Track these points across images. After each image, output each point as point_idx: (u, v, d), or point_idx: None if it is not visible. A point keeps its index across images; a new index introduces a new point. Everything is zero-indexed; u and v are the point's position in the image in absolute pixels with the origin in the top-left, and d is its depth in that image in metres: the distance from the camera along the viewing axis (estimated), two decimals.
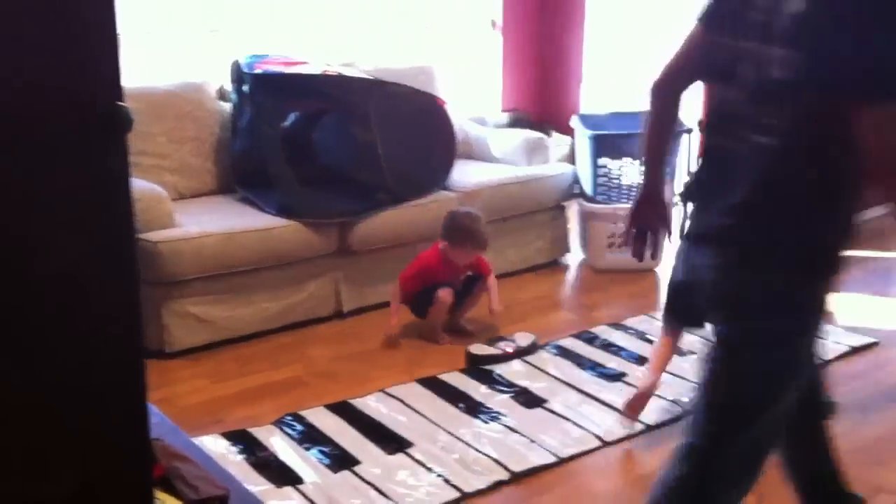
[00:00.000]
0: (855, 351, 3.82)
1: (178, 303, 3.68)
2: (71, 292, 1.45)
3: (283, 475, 2.86)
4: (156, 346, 3.64)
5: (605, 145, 4.63)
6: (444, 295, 3.82)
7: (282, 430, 3.13)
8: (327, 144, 4.21)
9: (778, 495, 2.78)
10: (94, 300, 1.48)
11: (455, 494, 2.77)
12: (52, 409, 1.47)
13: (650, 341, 3.87)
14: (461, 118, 5.17)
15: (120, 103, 1.43)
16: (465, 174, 4.59)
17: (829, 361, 3.69)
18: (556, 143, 5.60)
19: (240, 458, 2.94)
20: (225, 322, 3.80)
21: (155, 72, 4.44)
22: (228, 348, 3.80)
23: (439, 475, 2.86)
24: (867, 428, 3.22)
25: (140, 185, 3.71)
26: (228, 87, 4.40)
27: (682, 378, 3.52)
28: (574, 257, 4.95)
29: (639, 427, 3.17)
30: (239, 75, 4.29)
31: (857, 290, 4.48)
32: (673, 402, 3.35)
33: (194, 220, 3.82)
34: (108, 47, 1.43)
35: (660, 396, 3.37)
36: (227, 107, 4.39)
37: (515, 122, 5.79)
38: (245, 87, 4.24)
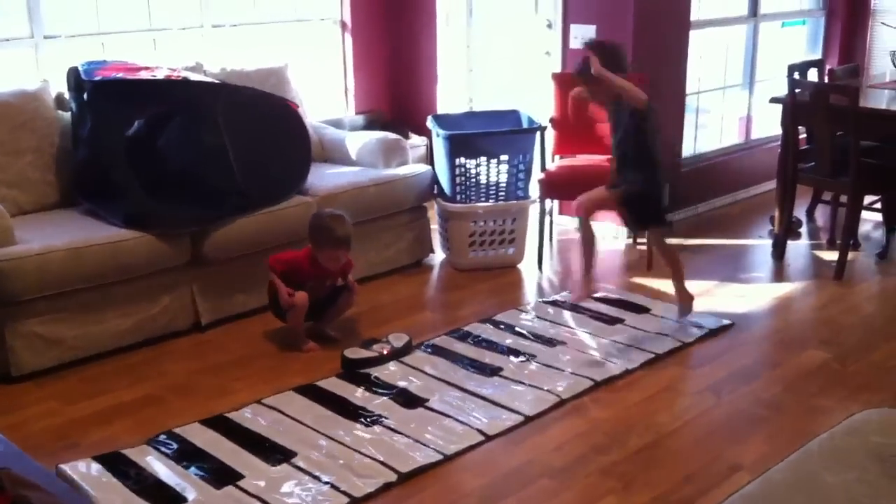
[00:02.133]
0: (712, 333, 3.96)
1: (22, 323, 3.48)
2: None
3: (164, 496, 2.75)
4: (1, 370, 3.44)
5: (461, 145, 4.65)
6: (299, 298, 3.74)
7: (156, 449, 3.00)
8: (175, 150, 4.06)
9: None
10: None
11: (345, 500, 2.74)
12: None
13: (521, 334, 3.93)
14: (315, 120, 5.11)
15: None
16: (322, 178, 4.52)
17: (690, 344, 3.83)
18: (414, 143, 5.61)
19: (115, 481, 2.81)
20: (74, 341, 3.62)
21: None
22: (80, 368, 3.63)
23: (327, 482, 2.82)
24: (721, 409, 3.34)
25: None
26: (67, 95, 4.20)
27: (555, 368, 3.58)
28: (437, 257, 4.96)
29: (518, 418, 3.21)
30: (77, 83, 4.10)
31: (709, 277, 4.67)
32: (548, 391, 3.40)
33: (37, 236, 3.62)
34: None
35: (535, 386, 3.43)
36: (67, 116, 4.19)
37: (371, 124, 5.76)
38: (85, 95, 4.05)
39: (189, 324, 3.97)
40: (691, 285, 4.36)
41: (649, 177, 3.85)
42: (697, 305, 4.21)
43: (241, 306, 4.09)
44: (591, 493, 2.81)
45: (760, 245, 5.22)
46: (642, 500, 2.77)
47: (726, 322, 4.06)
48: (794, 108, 4.78)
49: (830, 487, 1.96)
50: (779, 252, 4.97)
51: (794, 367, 3.68)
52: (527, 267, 4.85)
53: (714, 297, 4.41)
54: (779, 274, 4.83)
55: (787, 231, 5.01)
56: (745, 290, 4.52)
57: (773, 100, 5.08)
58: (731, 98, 6.31)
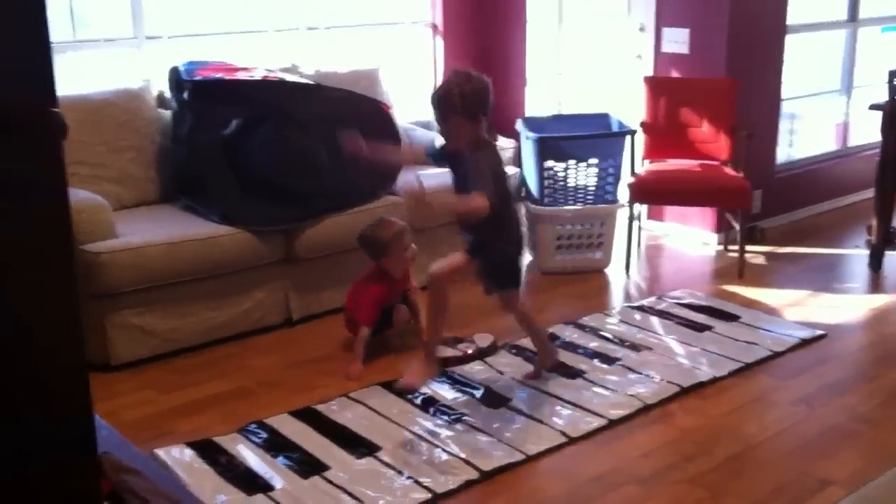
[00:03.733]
0: (804, 343, 3.87)
1: (121, 315, 3.60)
2: (8, 305, 1.40)
3: (252, 483, 2.82)
4: (100, 360, 3.56)
5: (550, 148, 4.65)
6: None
7: (247, 438, 3.09)
8: (268, 151, 4.14)
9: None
10: (34, 314, 1.43)
11: (427, 495, 2.77)
12: None
13: (606, 338, 3.91)
14: (406, 122, 5.15)
15: (54, 109, 1.39)
16: (411, 178, 4.55)
17: (780, 353, 3.75)
18: (502, 146, 5.61)
19: (206, 467, 2.90)
20: (170, 333, 3.72)
21: (90, 80, 4.35)
22: (174, 359, 3.73)
23: (409, 477, 2.86)
24: (813, 422, 3.26)
25: (80, 196, 3.64)
26: (168, 94, 4.32)
27: (640, 373, 3.55)
28: (523, 260, 4.94)
29: (601, 422, 3.20)
30: (178, 83, 4.22)
31: (802, 287, 4.56)
32: (633, 396, 3.37)
33: (136, 230, 3.74)
34: (41, 54, 1.39)
35: (620, 392, 3.41)
36: (168, 114, 4.31)
37: None
38: (185, 95, 4.17)
39: (281, 319, 4.05)
40: (784, 294, 4.28)
41: (512, 240, 3.37)
42: (791, 315, 4.13)
43: (330, 303, 4.14)
44: (678, 501, 2.78)
45: (856, 255, 5.08)
46: None
47: (819, 332, 3.96)
48: (894, 114, 4.63)
49: None
50: (876, 262, 4.83)
51: (891, 381, 3.57)
52: (614, 272, 4.81)
53: (807, 308, 4.31)
54: (875, 285, 4.69)
55: (884, 241, 4.86)
56: (840, 301, 4.41)
57: (873, 107, 4.94)
58: (827, 104, 6.16)
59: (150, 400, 3.41)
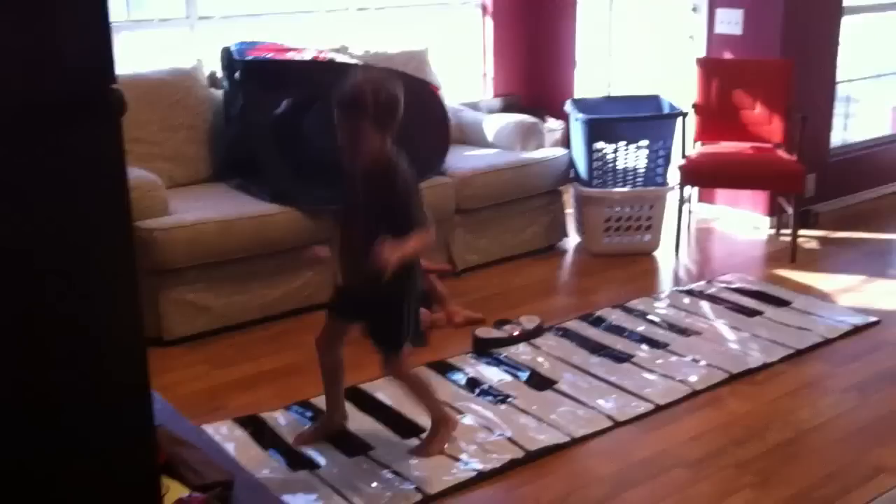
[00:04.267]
0: (857, 330, 3.81)
1: (174, 291, 3.65)
2: (72, 281, 1.42)
3: (297, 460, 2.86)
4: (154, 334, 3.61)
5: (600, 130, 4.62)
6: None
7: (293, 415, 3.13)
8: (318, 131, 4.14)
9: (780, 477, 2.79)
10: (95, 287, 1.46)
11: (471, 474, 2.78)
12: (57, 399, 1.45)
13: (654, 322, 3.88)
14: (454, 103, 5.14)
15: (114, 86, 1.41)
16: (459, 159, 4.56)
17: (833, 340, 3.70)
18: (551, 127, 5.59)
19: (252, 442, 2.95)
20: (222, 309, 3.77)
21: (143, 60, 4.40)
22: (227, 336, 3.78)
23: (453, 456, 2.87)
24: (866, 409, 3.22)
25: (134, 173, 3.68)
26: (220, 74, 4.36)
27: (688, 358, 3.53)
28: (571, 242, 4.94)
29: (648, 406, 3.18)
30: (230, 62, 4.25)
31: (856, 273, 4.49)
32: (680, 381, 3.35)
33: (189, 208, 3.79)
34: (100, 31, 1.40)
35: (668, 376, 3.37)
36: (220, 94, 4.35)
37: (509, 107, 5.77)
38: (236, 75, 4.20)
39: (329, 298, 4.08)
40: (837, 279, 4.22)
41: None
42: (844, 301, 4.07)
43: None
44: (726, 486, 2.76)
45: None
46: (781, 495, 2.70)
47: (872, 319, 3.90)
48: None
49: None
50: None
51: None
52: (663, 255, 4.77)
53: (861, 294, 4.24)
54: None
55: None
56: (894, 287, 4.33)
57: None
58: (884, 87, 6.03)
59: (203, 375, 3.47)
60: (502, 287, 4.26)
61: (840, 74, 5.39)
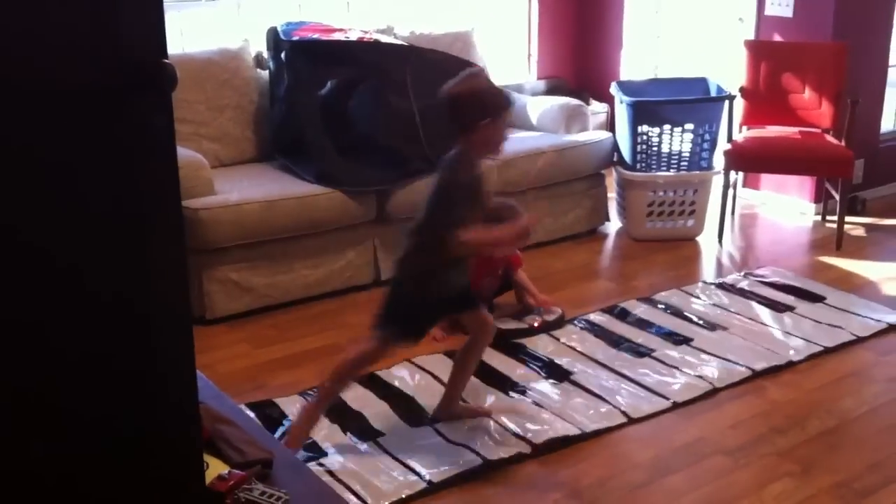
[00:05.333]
0: (893, 328, 3.71)
1: (218, 270, 3.70)
2: (123, 257, 1.45)
3: (306, 447, 2.85)
4: (197, 313, 3.67)
5: (645, 112, 4.57)
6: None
7: (306, 401, 3.09)
8: (364, 112, 4.18)
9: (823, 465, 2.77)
10: (146, 263, 1.48)
11: (478, 463, 2.77)
12: (108, 371, 1.48)
13: (679, 315, 3.81)
14: (500, 85, 5.11)
15: (164, 60, 1.42)
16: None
17: (864, 339, 3.62)
18: (595, 110, 5.55)
19: (269, 433, 2.91)
20: (265, 289, 3.82)
21: (190, 39, 4.45)
22: (268, 315, 3.82)
23: (462, 445, 2.85)
24: None
25: (180, 153, 3.71)
26: (266, 54, 4.39)
27: (713, 354, 3.49)
28: (613, 226, 4.91)
29: (666, 404, 3.13)
30: (276, 43, 4.28)
31: None
32: (699, 377, 3.29)
33: (234, 188, 3.83)
34: (154, 6, 1.42)
35: (687, 372, 3.32)
36: (265, 74, 4.38)
37: (553, 90, 5.73)
38: (282, 55, 4.23)
39: (370, 278, 4.11)
40: (883, 267, 4.16)
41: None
42: (888, 290, 4.00)
43: None
44: (767, 473, 2.74)
45: None
46: (822, 484, 2.68)
47: None
48: None
49: None
50: None
51: None
52: (706, 240, 4.73)
53: None
54: None
55: None
56: None
57: None
58: None
59: (245, 354, 3.51)
60: (543, 271, 4.25)
61: (893, 58, 5.28)
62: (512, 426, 2.97)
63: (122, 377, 1.51)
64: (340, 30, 4.38)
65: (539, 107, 4.89)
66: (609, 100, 5.08)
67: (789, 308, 3.88)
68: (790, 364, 3.40)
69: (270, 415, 3.04)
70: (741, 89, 4.84)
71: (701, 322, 3.75)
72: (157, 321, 1.54)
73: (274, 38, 4.30)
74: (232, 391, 2.95)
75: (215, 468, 2.03)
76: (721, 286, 4.12)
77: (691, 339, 3.59)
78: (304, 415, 2.87)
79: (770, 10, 5.05)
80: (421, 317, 2.91)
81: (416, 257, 2.77)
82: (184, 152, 3.75)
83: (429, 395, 3.15)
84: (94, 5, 1.37)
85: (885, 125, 5.43)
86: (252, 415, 2.95)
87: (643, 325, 3.73)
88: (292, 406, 3.08)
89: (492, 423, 2.98)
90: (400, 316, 2.83)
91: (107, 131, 1.42)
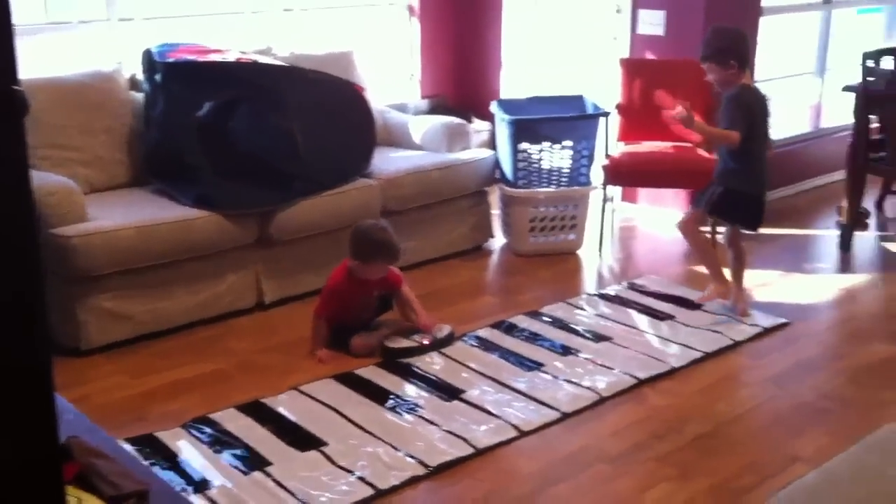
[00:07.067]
0: (767, 332, 3.87)
1: (94, 298, 3.59)
2: None
3: (189, 481, 2.76)
4: (71, 344, 3.55)
5: (525, 130, 4.65)
6: (358, 346, 3.64)
7: (190, 433, 3.03)
8: (244, 133, 4.13)
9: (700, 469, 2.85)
10: None
11: (370, 492, 2.72)
12: None
13: (568, 328, 3.87)
14: (381, 104, 5.14)
15: (15, 87, 1.38)
16: (386, 161, 4.56)
17: (741, 343, 3.75)
18: (477, 128, 5.62)
19: (145, 464, 2.80)
20: (143, 317, 3.72)
21: (63, 62, 4.32)
22: (147, 343, 3.72)
23: (352, 472, 2.81)
24: (782, 400, 3.30)
25: (51, 179, 3.62)
26: (140, 76, 4.30)
27: (599, 364, 3.58)
28: (498, 242, 4.97)
29: (555, 415, 3.16)
30: (151, 65, 4.20)
31: (774, 267, 4.61)
32: (587, 388, 3.36)
33: (109, 214, 3.72)
34: (1, 31, 1.38)
35: (575, 383, 3.38)
36: (140, 97, 4.29)
37: (435, 109, 5.79)
38: (157, 77, 4.15)
39: (253, 302, 4.05)
40: (755, 275, 4.33)
41: (752, 178, 3.89)
42: (761, 296, 4.17)
43: (304, 286, 4.15)
44: (647, 479, 2.81)
45: (827, 236, 5.14)
46: (699, 487, 2.76)
47: (782, 321, 3.94)
48: (867, 97, 4.68)
49: (892, 481, 1.94)
50: (846, 243, 4.88)
51: (860, 360, 3.62)
52: (587, 253, 4.83)
53: (778, 288, 4.35)
54: (845, 265, 4.75)
55: (855, 222, 4.92)
56: (811, 281, 4.46)
57: (846, 88, 4.98)
58: (801, 86, 6.19)
59: (123, 384, 3.41)
60: (430, 288, 4.26)
61: (759, 74, 5.51)
62: (403, 448, 2.94)
63: None
64: (217, 51, 4.32)
65: (422, 126, 4.93)
66: (490, 118, 5.16)
67: (669, 316, 4.00)
68: (672, 371, 3.49)
69: (153, 449, 2.95)
70: (617, 106, 4.98)
71: (586, 333, 3.82)
72: (7, 353, 1.48)
73: (148, 59, 4.21)
74: (110, 424, 2.87)
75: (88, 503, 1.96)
76: (604, 297, 4.21)
77: (578, 351, 3.65)
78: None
79: (642, 30, 5.22)
80: None
81: (753, 165, 3.88)
82: (55, 178, 3.64)
83: (315, 422, 3.11)
84: None
85: None
86: (130, 448, 2.87)
87: (531, 338, 3.78)
88: (175, 439, 2.99)
89: (387, 445, 2.96)
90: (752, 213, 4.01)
91: None
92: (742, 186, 3.88)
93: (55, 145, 3.95)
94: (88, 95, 4.12)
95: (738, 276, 4.07)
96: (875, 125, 5.07)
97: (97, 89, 4.15)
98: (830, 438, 3.02)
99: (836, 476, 2.00)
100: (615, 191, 5.18)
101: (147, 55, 4.23)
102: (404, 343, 3.67)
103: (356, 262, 3.63)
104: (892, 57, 5.48)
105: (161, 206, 3.88)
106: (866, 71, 4.74)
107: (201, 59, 4.23)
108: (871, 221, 5.34)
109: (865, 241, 5.06)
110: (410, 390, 3.36)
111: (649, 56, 5.21)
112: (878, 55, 5.28)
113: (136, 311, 3.69)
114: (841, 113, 5.86)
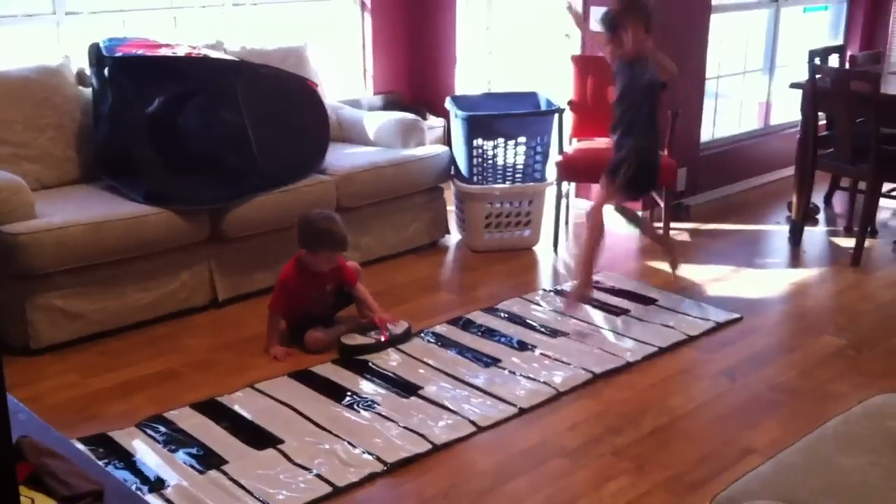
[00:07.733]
0: (720, 326, 3.91)
1: (43, 297, 3.52)
2: None
3: (144, 480, 2.73)
4: (21, 343, 3.49)
5: (480, 126, 4.66)
6: (311, 340, 3.61)
7: (144, 432, 2.98)
8: (195, 128, 4.08)
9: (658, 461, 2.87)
10: None
11: (327, 489, 2.70)
12: None
13: (524, 324, 3.88)
14: (334, 100, 5.11)
15: None
16: (339, 157, 4.53)
17: (695, 338, 3.79)
18: (431, 124, 5.62)
19: (99, 463, 2.71)
20: (94, 315, 3.65)
21: (8, 57, 4.23)
22: (99, 342, 3.66)
23: (309, 470, 2.79)
24: (735, 393, 3.35)
25: None
26: (88, 71, 4.22)
27: (555, 360, 3.59)
28: (453, 238, 4.97)
29: (512, 410, 3.17)
30: (99, 59, 4.12)
31: (725, 263, 4.67)
32: (544, 383, 3.37)
33: (57, 211, 3.65)
34: None
35: (532, 378, 3.39)
36: (88, 92, 4.21)
37: (390, 105, 5.77)
38: (105, 71, 4.07)
39: (207, 300, 4.00)
40: (707, 270, 4.36)
41: (647, 144, 4.04)
42: (713, 290, 4.22)
43: (258, 283, 4.11)
44: (604, 473, 2.83)
45: (777, 231, 5.21)
46: (655, 480, 2.78)
47: (735, 316, 3.98)
48: (815, 93, 4.75)
49: (844, 470, 1.97)
50: (796, 238, 4.96)
51: (810, 352, 3.68)
52: (542, 249, 4.85)
53: (729, 283, 4.41)
54: (795, 260, 4.82)
55: (804, 217, 5.00)
56: (761, 276, 4.52)
57: (794, 85, 5.06)
58: (750, 83, 6.28)
59: (75, 383, 3.35)
60: (385, 285, 4.25)
61: (709, 71, 5.58)
62: (360, 445, 2.92)
63: None
64: (167, 45, 4.25)
65: (376, 122, 4.91)
66: (445, 114, 5.15)
67: (624, 311, 4.03)
68: (628, 365, 3.52)
69: (107, 448, 2.90)
70: (570, 103, 5.00)
71: (543, 329, 3.83)
72: None
73: (96, 54, 4.13)
74: (61, 423, 2.82)
75: None
76: (559, 293, 4.23)
77: (535, 346, 3.66)
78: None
79: (595, 27, 5.23)
80: None
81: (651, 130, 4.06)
82: (1, 175, 3.56)
83: (272, 420, 3.08)
84: None
85: (705, 135, 5.73)
86: (84, 448, 2.82)
87: (488, 334, 3.78)
88: (129, 438, 2.94)
89: (344, 442, 2.93)
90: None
91: None
92: (651, 156, 4.07)
93: (1, 141, 3.86)
94: (34, 90, 4.04)
95: (594, 257, 4.09)
96: (823, 122, 5.16)
97: (43, 84, 4.07)
98: (783, 430, 3.06)
99: (789, 467, 2.03)
100: (569, 187, 5.20)
101: (95, 49, 4.15)
102: (361, 340, 3.64)
103: (304, 251, 3.63)
104: (838, 55, 5.59)
105: (112, 202, 3.81)
106: (813, 68, 4.82)
107: (151, 53, 4.16)
108: (821, 217, 5.44)
109: (815, 235, 5.14)
110: (367, 387, 3.34)
111: (601, 53, 5.23)
112: (824, 53, 5.38)
113: (87, 309, 3.63)
114: (790, 110, 5.96)
